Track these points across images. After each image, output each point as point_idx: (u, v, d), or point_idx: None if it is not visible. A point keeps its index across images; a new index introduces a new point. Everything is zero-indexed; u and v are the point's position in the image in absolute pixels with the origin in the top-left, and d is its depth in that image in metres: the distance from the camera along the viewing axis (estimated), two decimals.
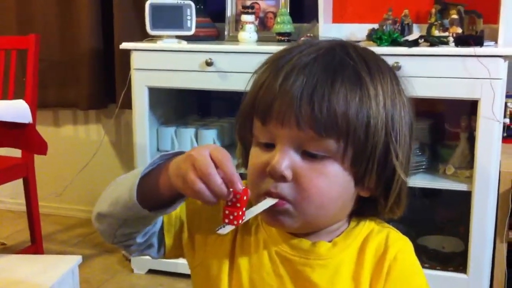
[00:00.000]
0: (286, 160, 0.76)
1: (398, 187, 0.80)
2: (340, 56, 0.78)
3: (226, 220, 0.73)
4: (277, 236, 0.84)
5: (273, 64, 0.80)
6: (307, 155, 0.76)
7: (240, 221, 0.73)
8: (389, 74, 0.81)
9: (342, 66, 0.77)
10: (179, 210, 0.87)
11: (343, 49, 0.80)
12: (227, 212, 0.73)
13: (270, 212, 0.77)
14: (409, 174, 0.82)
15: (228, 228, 0.73)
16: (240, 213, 0.72)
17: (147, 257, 0.90)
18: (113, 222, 0.81)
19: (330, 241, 0.83)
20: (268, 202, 0.76)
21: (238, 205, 0.72)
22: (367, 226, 0.85)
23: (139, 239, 0.84)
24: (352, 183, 0.79)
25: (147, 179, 0.78)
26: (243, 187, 0.72)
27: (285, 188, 0.76)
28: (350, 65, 0.77)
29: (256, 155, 0.79)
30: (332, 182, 0.77)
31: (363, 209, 0.84)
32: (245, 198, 0.72)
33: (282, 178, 0.76)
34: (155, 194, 0.77)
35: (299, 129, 0.74)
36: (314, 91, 0.74)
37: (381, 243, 0.82)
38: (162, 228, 0.87)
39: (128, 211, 0.78)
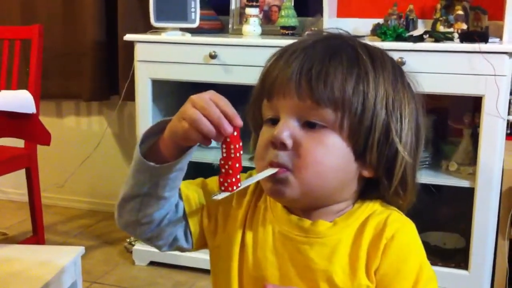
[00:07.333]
0: (287, 129, 0.80)
1: (401, 168, 0.83)
2: (341, 40, 0.84)
3: (222, 188, 0.76)
4: (281, 216, 0.87)
5: (279, 53, 0.85)
6: (308, 126, 0.80)
7: (234, 188, 0.76)
8: (392, 64, 0.84)
9: (343, 47, 0.82)
10: (197, 196, 0.90)
11: (346, 36, 0.85)
12: (221, 180, 0.76)
13: (272, 182, 0.81)
14: (418, 159, 0.86)
15: (223, 195, 0.77)
16: (234, 179, 0.76)
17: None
18: (132, 206, 0.83)
19: (331, 221, 0.85)
20: (268, 171, 0.80)
21: (231, 171, 0.76)
22: (370, 207, 0.87)
23: (165, 225, 0.86)
24: (352, 157, 0.82)
25: (152, 141, 0.81)
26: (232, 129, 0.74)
27: (285, 157, 0.80)
28: (351, 47, 0.82)
29: (264, 132, 0.84)
30: (330, 151, 0.80)
31: (367, 191, 0.87)
32: (237, 165, 0.76)
33: (283, 146, 0.80)
34: (162, 151, 0.80)
35: (299, 99, 0.79)
36: (313, 66, 0.79)
37: (380, 222, 0.84)
38: (186, 219, 0.89)
39: (140, 176, 0.80)
